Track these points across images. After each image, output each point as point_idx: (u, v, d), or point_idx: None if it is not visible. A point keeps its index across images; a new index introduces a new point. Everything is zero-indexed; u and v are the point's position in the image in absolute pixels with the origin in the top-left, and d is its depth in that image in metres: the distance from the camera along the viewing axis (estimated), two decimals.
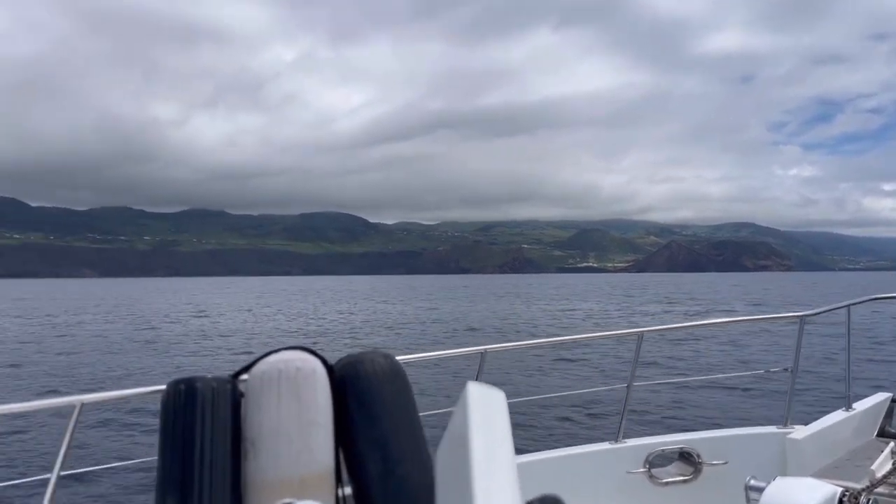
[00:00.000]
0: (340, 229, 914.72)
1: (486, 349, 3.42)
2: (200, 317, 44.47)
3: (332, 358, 2.19)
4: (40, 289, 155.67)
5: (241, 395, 2.13)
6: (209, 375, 2.11)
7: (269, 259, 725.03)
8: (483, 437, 0.88)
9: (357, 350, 2.24)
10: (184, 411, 2.03)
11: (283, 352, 2.17)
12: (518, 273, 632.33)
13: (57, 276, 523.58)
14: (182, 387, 2.07)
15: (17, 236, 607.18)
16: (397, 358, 2.31)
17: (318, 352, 2.24)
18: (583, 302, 58.27)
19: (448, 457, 0.89)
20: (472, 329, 32.13)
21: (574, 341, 3.76)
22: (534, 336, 26.95)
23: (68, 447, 2.35)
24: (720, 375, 14.08)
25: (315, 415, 2.06)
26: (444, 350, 3.45)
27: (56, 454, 2.33)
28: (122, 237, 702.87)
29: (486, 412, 0.89)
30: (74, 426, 2.36)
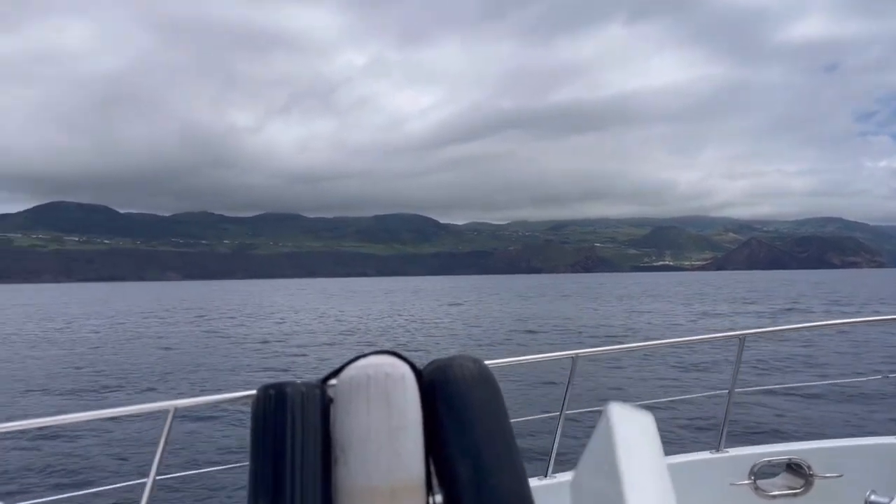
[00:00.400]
0: (412, 230, 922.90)
1: (577, 353, 3.30)
2: (284, 319, 44.40)
3: (418, 361, 2.10)
4: (134, 291, 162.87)
5: (331, 400, 2.13)
6: (298, 381, 2.12)
7: (343, 261, 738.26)
8: (635, 466, 0.80)
9: (444, 354, 2.19)
10: (274, 417, 2.04)
11: (372, 356, 2.16)
12: (591, 272, 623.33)
13: (143, 279, 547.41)
14: (272, 392, 2.09)
15: (107, 242, 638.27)
16: (486, 362, 2.26)
17: (406, 356, 2.07)
18: (667, 302, 55.65)
19: (591, 482, 0.84)
20: (560, 331, 30.95)
21: (670, 345, 3.52)
22: (627, 339, 25.92)
23: (163, 451, 2.40)
24: (830, 381, 13.14)
25: (405, 421, 2.04)
26: (533, 355, 3.33)
27: (152, 458, 2.38)
28: (204, 241, 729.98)
29: (634, 437, 0.82)
30: (169, 431, 2.40)
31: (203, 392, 15.38)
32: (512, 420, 2.17)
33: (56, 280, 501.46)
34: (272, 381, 2.07)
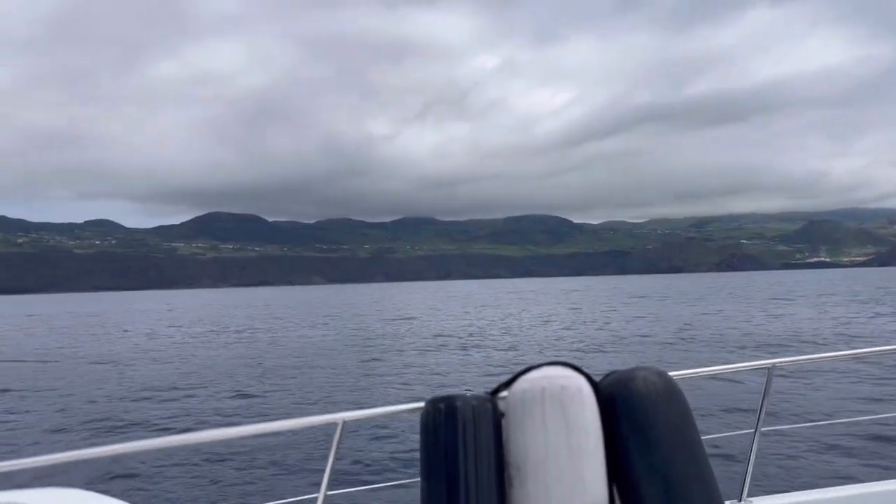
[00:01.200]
0: (545, 231, 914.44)
1: (774, 363, 2.92)
2: (441, 321, 43.87)
3: (589, 371, 1.96)
4: (288, 295, 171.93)
5: (501, 414, 2.01)
6: (468, 393, 2.02)
7: (476, 263, 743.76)
8: None
9: (623, 365, 2.00)
10: (444, 431, 1.95)
11: (544, 367, 2.03)
12: (737, 271, 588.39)
13: (290, 283, 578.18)
14: (441, 406, 2.01)
15: (258, 249, 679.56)
16: (670, 374, 2.08)
17: (581, 367, 1.94)
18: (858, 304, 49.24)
19: None
20: (748, 339, 26.58)
21: (881, 353, 3.22)
22: (831, 348, 22.67)
23: (333, 466, 2.37)
24: (875, 417, 10.32)
25: (585, 440, 1.88)
26: (723, 365, 2.90)
27: (322, 473, 2.24)
28: (345, 246, 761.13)
29: None
30: (338, 444, 2.36)
31: (370, 404, 14.74)
32: (702, 438, 1.98)
33: (214, 285, 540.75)
34: (440, 393, 1.95)
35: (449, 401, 2.00)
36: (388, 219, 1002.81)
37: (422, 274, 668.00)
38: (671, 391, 2.00)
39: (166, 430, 13.53)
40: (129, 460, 10.38)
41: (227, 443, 11.02)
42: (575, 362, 1.92)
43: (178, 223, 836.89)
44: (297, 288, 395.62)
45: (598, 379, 2.04)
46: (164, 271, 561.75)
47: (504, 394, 2.04)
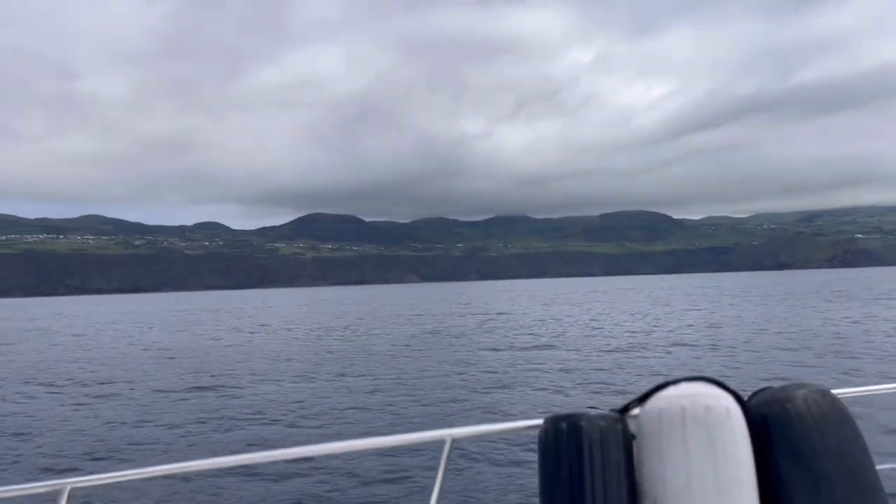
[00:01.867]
0: (642, 227, 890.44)
1: None
2: (550, 324, 41.51)
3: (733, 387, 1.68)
4: (385, 293, 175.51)
5: (632, 436, 1.77)
6: (593, 411, 1.78)
7: (570, 260, 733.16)
8: None
9: (777, 382, 1.72)
10: (567, 454, 1.71)
11: (682, 383, 1.79)
12: (851, 267, 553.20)
13: (387, 282, 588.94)
14: (563, 424, 1.77)
15: (355, 248, 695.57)
16: (835, 392, 1.76)
17: (726, 383, 1.67)
18: None
19: None
20: None
21: None
22: None
23: (441, 487, 2.23)
24: None
25: (735, 470, 1.61)
26: (893, 383, 2.41)
27: (429, 493, 2.15)
28: (439, 245, 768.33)
29: None
30: (446, 463, 2.21)
31: (481, 419, 14.08)
32: (877, 468, 1.66)
33: (314, 284, 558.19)
34: (561, 409, 1.82)
35: (572, 419, 1.77)
36: (481, 217, 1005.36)
37: (515, 272, 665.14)
38: (839, 414, 1.69)
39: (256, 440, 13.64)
40: (231, 475, 10.37)
41: (328, 458, 10.64)
42: (709, 374, 1.66)
43: (279, 224, 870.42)
44: (393, 286, 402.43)
45: (745, 397, 1.78)
46: (267, 270, 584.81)
47: (635, 412, 1.83)
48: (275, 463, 10.05)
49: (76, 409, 18.21)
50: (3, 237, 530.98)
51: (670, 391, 1.77)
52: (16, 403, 19.90)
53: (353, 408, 16.73)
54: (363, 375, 22.26)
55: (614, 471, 1.69)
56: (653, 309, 54.94)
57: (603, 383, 18.50)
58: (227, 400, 18.54)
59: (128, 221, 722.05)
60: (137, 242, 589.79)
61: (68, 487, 2.13)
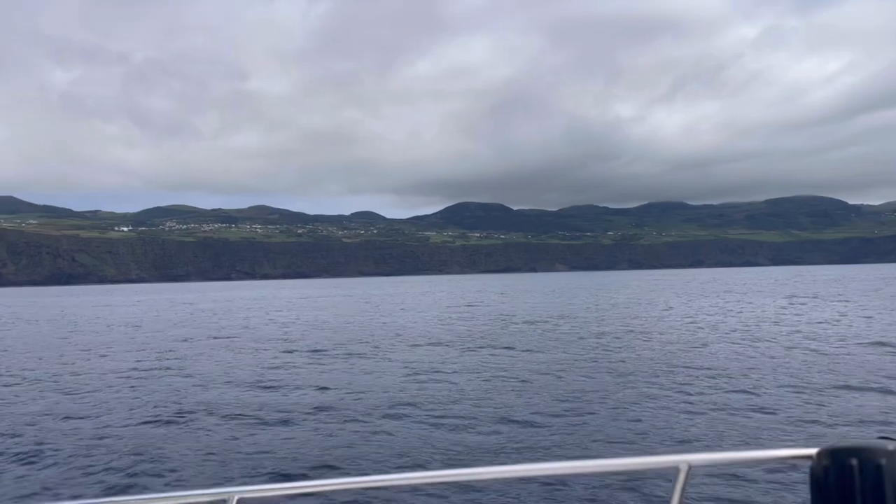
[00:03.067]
0: (812, 214, 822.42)
1: None
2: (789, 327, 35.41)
3: None
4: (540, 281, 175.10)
5: None
6: (877, 441, 1.46)
7: (730, 249, 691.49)
8: None
9: None
10: (845, 494, 1.41)
11: None
12: None
13: (534, 270, 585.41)
14: (842, 457, 1.48)
15: (503, 237, 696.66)
16: None
17: None
18: None
19: None
20: None
21: None
22: None
23: None
24: None
25: None
26: None
27: None
28: (589, 233, 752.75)
29: None
30: (682, 493, 1.93)
31: (724, 443, 11.70)
32: None
33: (462, 272, 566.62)
34: (834, 438, 1.64)
35: (853, 453, 1.47)
36: (633, 204, 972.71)
37: (669, 261, 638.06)
38: None
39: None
40: (442, 489, 9.71)
41: (553, 478, 9.51)
42: None
43: (430, 213, 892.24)
44: (541, 275, 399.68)
45: None
46: (419, 258, 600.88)
47: None
48: (473, 482, 8.93)
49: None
50: (185, 226, 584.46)
51: None
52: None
53: (555, 418, 14.75)
54: (561, 380, 21.09)
55: None
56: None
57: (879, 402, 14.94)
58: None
59: (291, 211, 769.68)
60: (300, 231, 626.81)
61: (235, 498, 2.09)
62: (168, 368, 25.16)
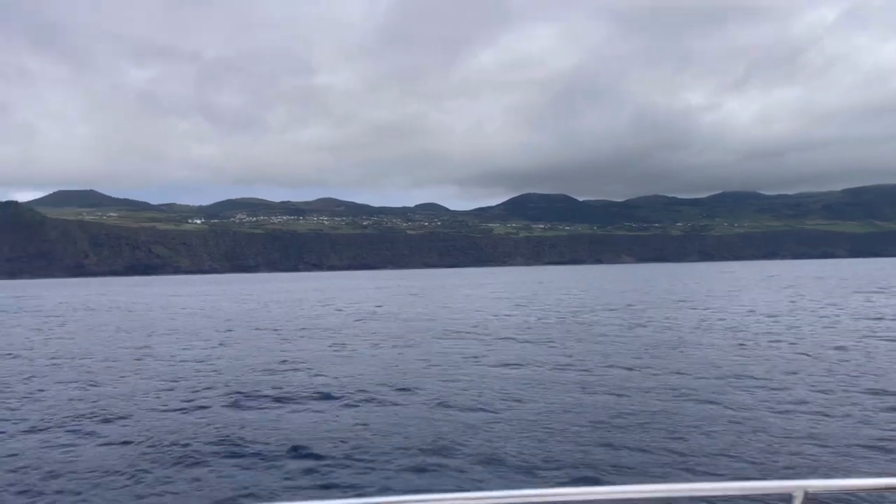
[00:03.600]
0: (895, 203, 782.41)
1: None
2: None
3: None
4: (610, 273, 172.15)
5: None
6: None
7: (808, 240, 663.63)
8: None
9: None
10: None
11: None
12: None
13: (599, 262, 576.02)
14: None
15: (568, 228, 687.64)
16: None
17: None
18: None
19: None
20: None
21: None
22: None
23: None
24: None
25: None
26: None
27: None
28: (656, 224, 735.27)
29: None
30: None
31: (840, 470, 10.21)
32: None
33: (526, 263, 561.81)
34: None
35: None
36: (703, 194, 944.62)
37: (741, 252, 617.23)
38: None
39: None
40: None
41: (654, 501, 8.14)
42: None
43: (493, 205, 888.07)
44: (607, 266, 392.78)
45: None
46: (483, 250, 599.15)
47: None
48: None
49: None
50: (255, 219, 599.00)
51: None
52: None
53: (645, 433, 13.15)
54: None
55: None
56: None
57: None
58: None
59: (357, 204, 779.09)
60: (365, 223, 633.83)
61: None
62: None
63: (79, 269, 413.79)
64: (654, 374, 19.15)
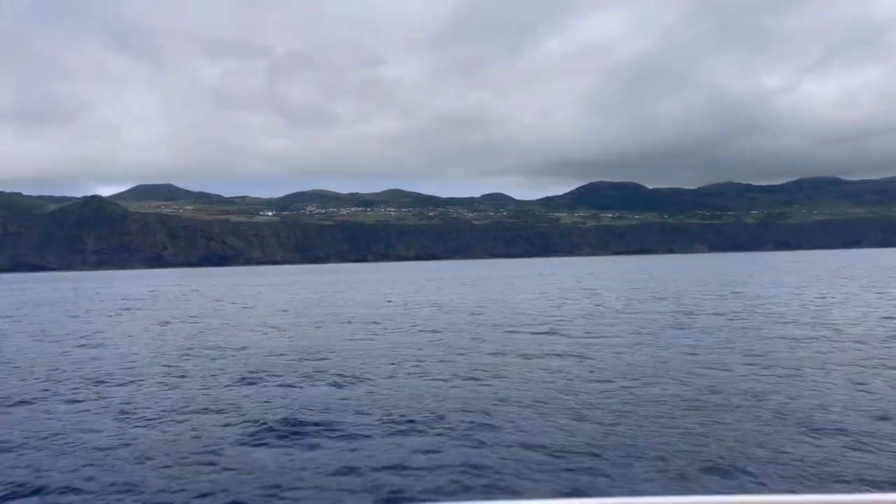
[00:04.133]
0: None
1: None
2: None
3: None
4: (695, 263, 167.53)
5: None
6: None
7: (893, 228, 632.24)
8: None
9: None
10: None
11: None
12: None
13: (671, 251, 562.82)
14: None
15: (637, 217, 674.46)
16: None
17: None
18: None
19: None
20: None
21: None
22: None
23: None
24: None
25: None
26: None
27: None
28: (730, 212, 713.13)
29: None
30: None
31: None
32: None
33: (594, 253, 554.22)
34: None
35: None
36: (780, 181, 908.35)
37: (820, 241, 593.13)
38: None
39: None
40: None
41: None
42: None
43: (560, 194, 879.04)
44: (679, 256, 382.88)
45: None
46: (549, 239, 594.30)
47: None
48: None
49: None
50: (324, 210, 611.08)
51: None
52: None
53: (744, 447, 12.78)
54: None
55: None
56: None
57: None
58: None
59: (423, 195, 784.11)
60: (431, 214, 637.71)
61: None
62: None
63: (157, 261, 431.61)
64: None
